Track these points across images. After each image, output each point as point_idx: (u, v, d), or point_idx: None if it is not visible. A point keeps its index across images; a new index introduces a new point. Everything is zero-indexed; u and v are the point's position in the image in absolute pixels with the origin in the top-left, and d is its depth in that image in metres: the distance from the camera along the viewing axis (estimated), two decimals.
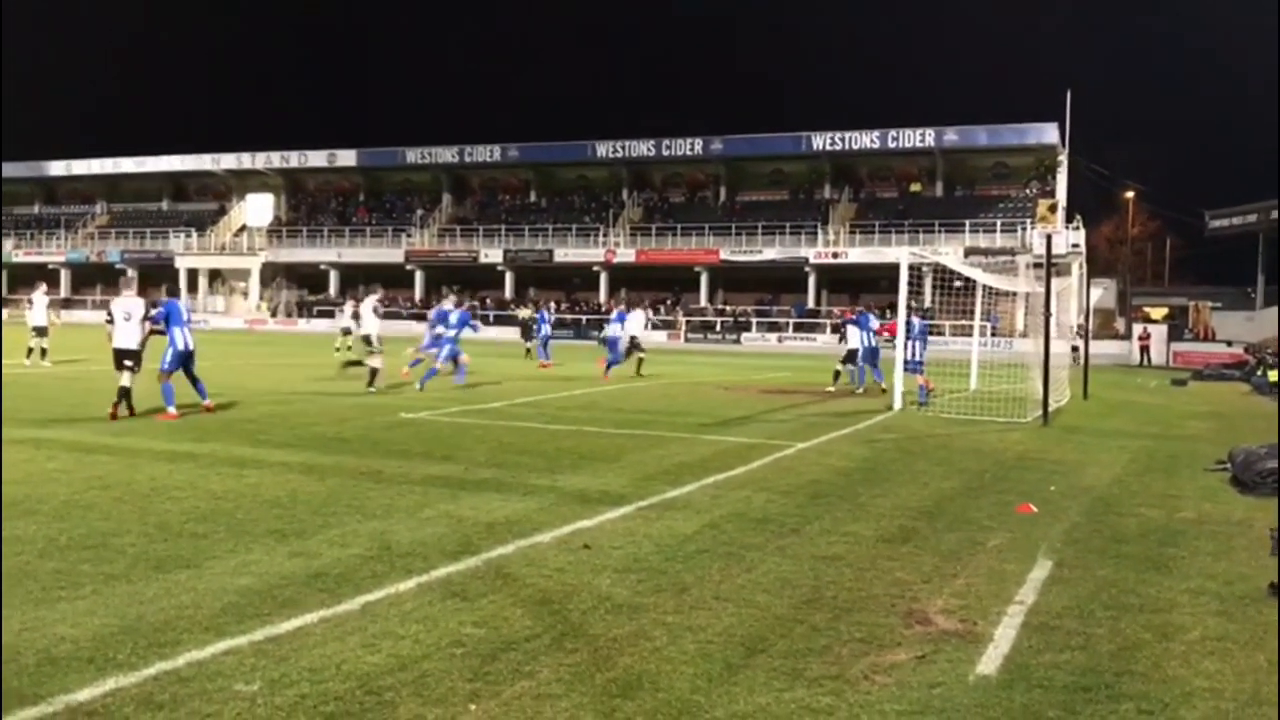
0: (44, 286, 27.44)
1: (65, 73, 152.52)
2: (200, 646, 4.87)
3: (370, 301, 24.01)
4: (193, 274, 72.22)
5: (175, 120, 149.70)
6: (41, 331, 24.15)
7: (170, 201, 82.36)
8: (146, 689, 4.35)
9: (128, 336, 14.21)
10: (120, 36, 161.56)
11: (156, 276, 74.18)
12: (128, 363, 14.07)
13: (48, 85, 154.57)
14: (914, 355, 19.32)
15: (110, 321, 14.37)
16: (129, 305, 14.47)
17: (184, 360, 14.44)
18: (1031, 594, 6.29)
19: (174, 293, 16.55)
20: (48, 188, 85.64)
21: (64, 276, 77.23)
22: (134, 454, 10.76)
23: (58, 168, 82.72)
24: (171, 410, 13.98)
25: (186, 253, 72.73)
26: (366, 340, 22.12)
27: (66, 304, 70.33)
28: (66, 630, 5.05)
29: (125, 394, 13.90)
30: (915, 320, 20.42)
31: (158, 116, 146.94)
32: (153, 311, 14.53)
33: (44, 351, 23.81)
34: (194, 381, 14.72)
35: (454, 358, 20.67)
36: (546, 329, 31.80)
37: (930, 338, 21.60)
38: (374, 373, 19.02)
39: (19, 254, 78.68)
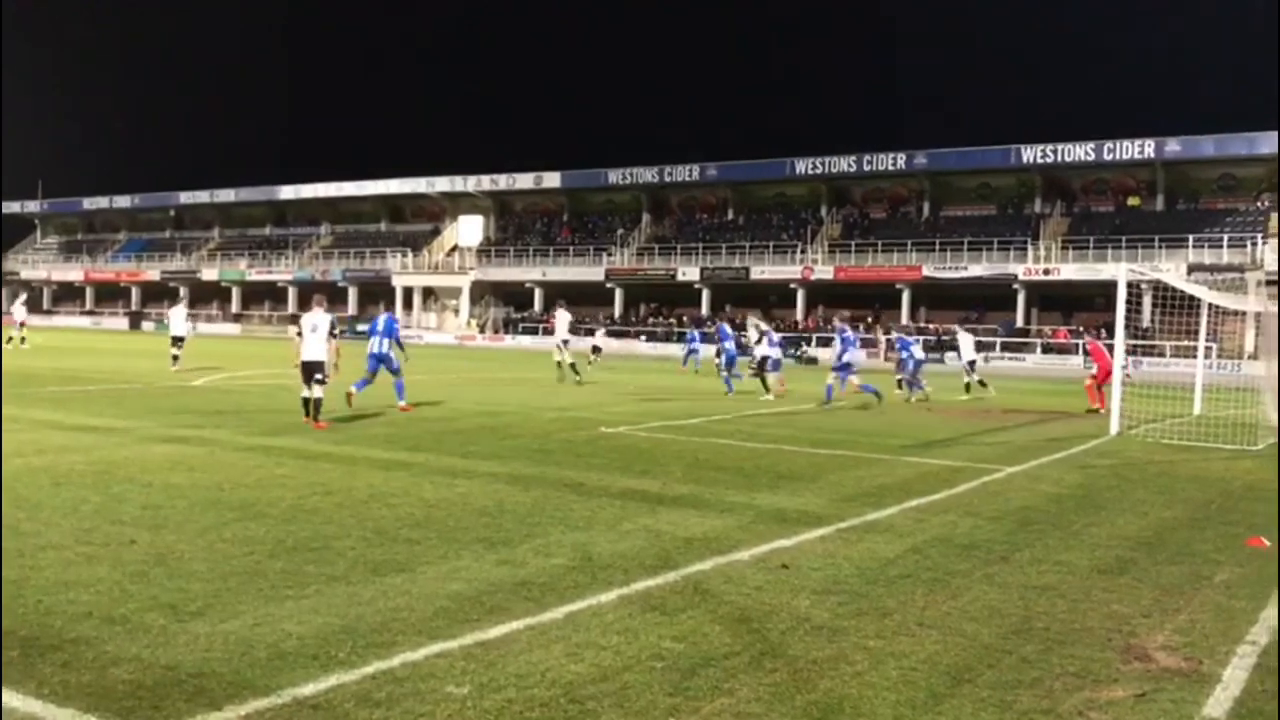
0: (185, 300, 32.49)
1: (295, 103, 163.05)
2: (414, 648, 5.09)
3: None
4: (408, 292, 75.74)
5: (393, 145, 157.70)
6: (178, 341, 27.27)
7: (388, 223, 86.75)
8: (365, 687, 4.58)
9: (314, 349, 14.97)
10: (345, 65, 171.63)
11: (376, 294, 78.58)
12: (317, 375, 14.85)
13: (278, 114, 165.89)
14: (839, 360, 23.08)
15: (300, 335, 15.23)
16: (316, 319, 15.23)
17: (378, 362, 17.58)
18: (1264, 634, 5.86)
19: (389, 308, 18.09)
20: (278, 210, 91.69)
21: (291, 294, 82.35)
22: (353, 462, 11.37)
23: (287, 191, 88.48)
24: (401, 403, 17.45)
25: (402, 272, 76.33)
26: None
27: (294, 319, 75.02)
28: (293, 627, 5.37)
29: (313, 404, 14.75)
30: (847, 328, 24.18)
31: (377, 142, 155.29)
32: (339, 328, 15.56)
33: (175, 358, 26.71)
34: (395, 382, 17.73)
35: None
36: (730, 346, 26.83)
37: (1146, 358, 21.02)
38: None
39: (252, 273, 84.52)
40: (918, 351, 26.15)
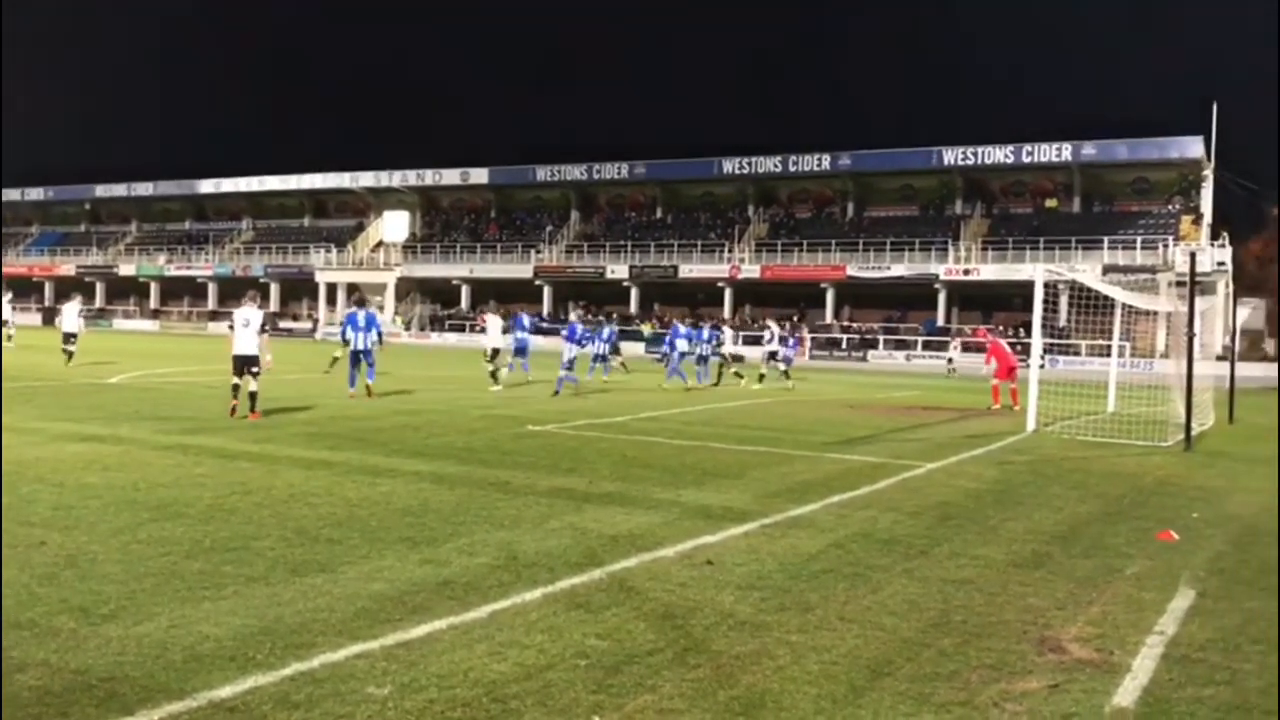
0: (79, 297, 32.80)
1: (213, 93, 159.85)
2: (334, 649, 5.02)
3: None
4: (331, 288, 74.75)
5: (317, 140, 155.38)
6: (70, 338, 27.22)
7: (311, 218, 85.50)
8: (283, 688, 4.51)
9: (246, 343, 15.44)
10: (265, 59, 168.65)
11: (299, 290, 77.39)
12: (253, 369, 15.33)
13: (198, 106, 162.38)
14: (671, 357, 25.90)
15: (231, 328, 15.68)
16: (248, 314, 15.61)
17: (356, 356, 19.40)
18: (1172, 625, 6.04)
19: (361, 303, 20.97)
20: (198, 205, 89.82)
21: (211, 290, 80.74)
22: (274, 461, 11.18)
23: (207, 186, 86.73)
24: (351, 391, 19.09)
25: (326, 268, 75.31)
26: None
27: (214, 316, 73.65)
28: (210, 629, 5.27)
29: (248, 395, 15.25)
30: (682, 326, 27.78)
31: (301, 137, 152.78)
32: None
33: (69, 355, 26.62)
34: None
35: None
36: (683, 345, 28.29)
37: (1062, 357, 21.77)
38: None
39: (171, 268, 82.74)
40: (681, 344, 27.40)
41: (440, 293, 74.47)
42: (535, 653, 5.09)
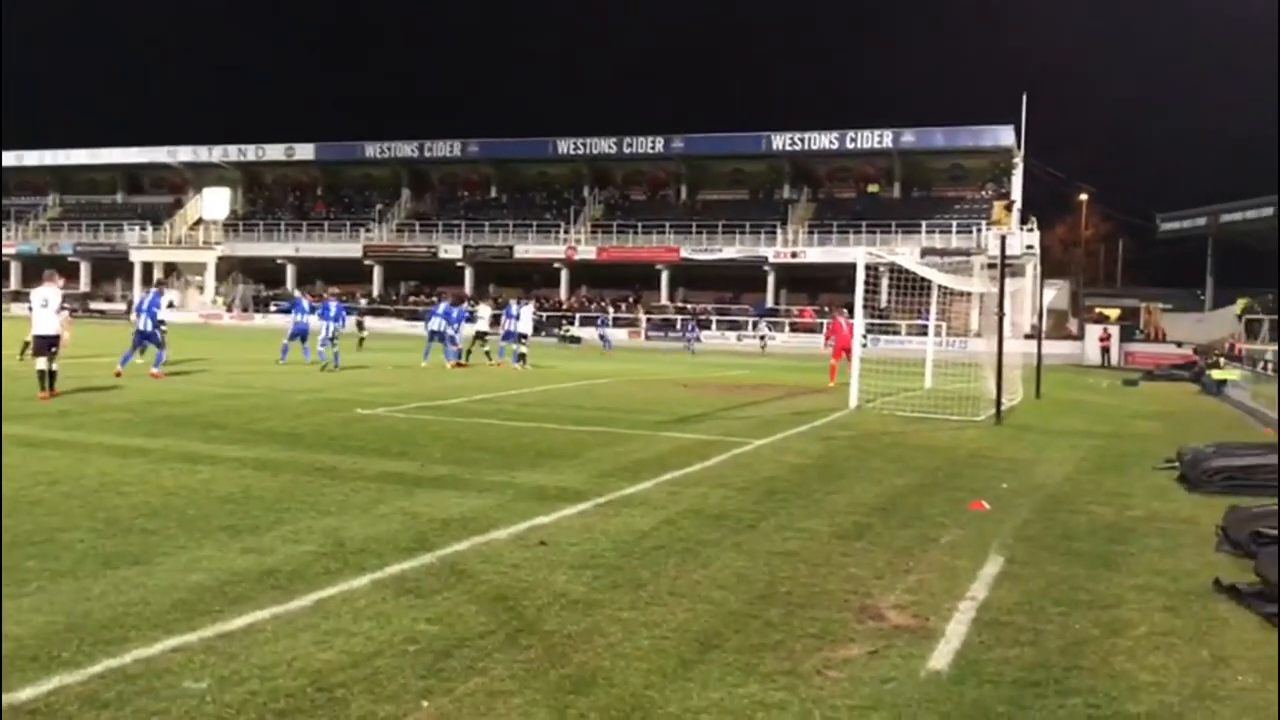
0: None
1: (17, 59, 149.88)
2: (149, 644, 4.80)
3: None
4: (148, 267, 71.39)
5: (131, 111, 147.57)
6: None
7: (125, 194, 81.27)
8: (92, 687, 4.28)
9: (46, 323, 15.10)
10: (74, 22, 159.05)
11: (112, 269, 73.47)
12: (53, 349, 15.03)
13: None
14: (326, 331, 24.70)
15: (30, 310, 15.39)
16: (47, 294, 15.28)
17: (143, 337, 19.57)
18: (983, 590, 6.36)
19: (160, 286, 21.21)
20: None
21: (14, 269, 75.93)
22: (84, 449, 10.60)
23: (8, 158, 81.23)
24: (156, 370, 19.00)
25: (141, 246, 71.89)
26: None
27: (17, 297, 69.15)
28: (11, 628, 4.95)
29: (47, 376, 14.94)
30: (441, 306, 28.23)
31: (112, 107, 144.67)
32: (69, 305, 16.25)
33: None
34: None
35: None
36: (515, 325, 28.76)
37: (884, 336, 22.54)
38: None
39: None
40: (435, 323, 27.61)
41: (264, 272, 71.94)
42: (363, 640, 4.99)
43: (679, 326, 28.19)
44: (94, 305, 67.55)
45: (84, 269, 74.18)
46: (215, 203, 73.81)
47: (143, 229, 73.30)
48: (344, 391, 18.32)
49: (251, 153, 75.40)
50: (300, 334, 25.46)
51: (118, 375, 18.74)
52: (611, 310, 60.18)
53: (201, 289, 71.57)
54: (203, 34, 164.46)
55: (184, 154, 76.44)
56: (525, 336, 27.90)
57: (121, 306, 68.31)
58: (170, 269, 72.66)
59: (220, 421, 13.36)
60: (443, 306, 28.12)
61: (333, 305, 24.78)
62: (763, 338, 53.74)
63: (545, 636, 5.16)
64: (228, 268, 71.73)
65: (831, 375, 24.00)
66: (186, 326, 55.61)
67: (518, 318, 27.92)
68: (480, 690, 4.44)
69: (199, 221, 74.49)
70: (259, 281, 72.28)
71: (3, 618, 5.06)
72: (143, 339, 20.30)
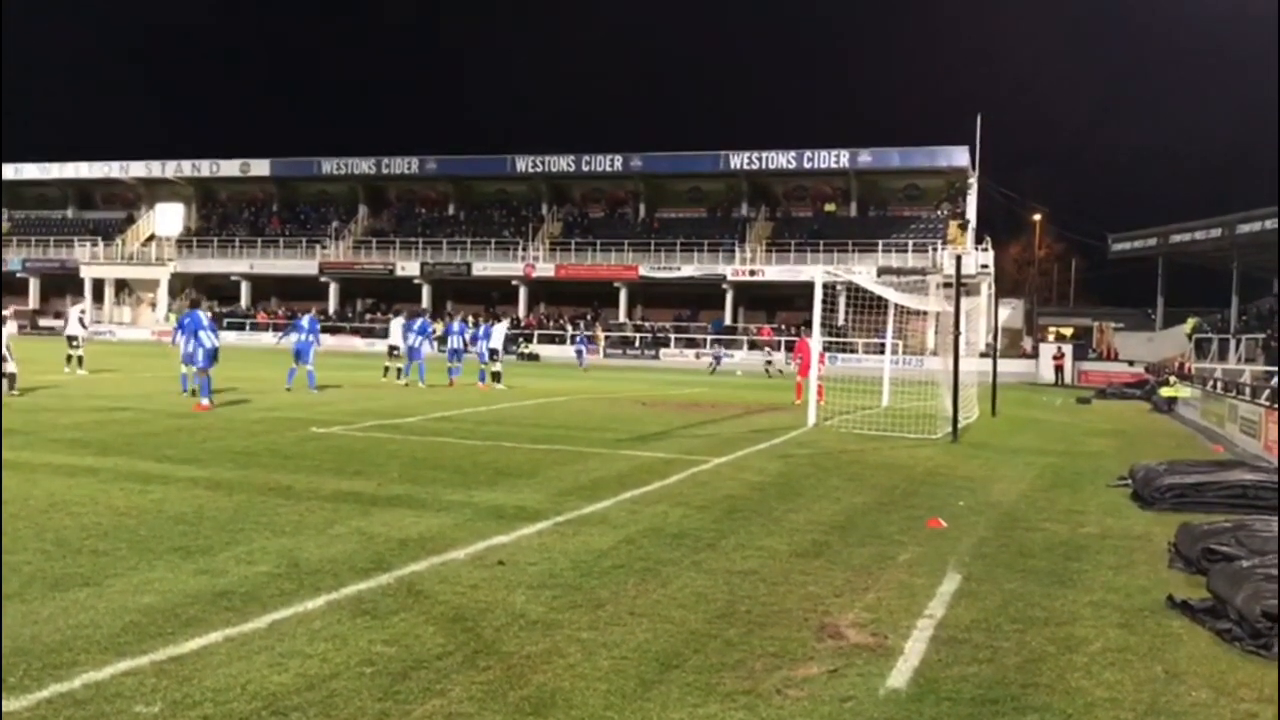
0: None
1: None
2: (98, 667, 4.71)
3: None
4: (98, 284, 70.32)
5: (82, 126, 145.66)
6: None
7: (75, 209, 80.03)
8: (39, 713, 4.19)
9: None
10: (24, 37, 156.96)
11: (61, 286, 72.24)
12: None
13: None
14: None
15: None
16: None
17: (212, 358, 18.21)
18: (940, 608, 6.39)
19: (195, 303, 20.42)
20: None
21: None
22: (31, 469, 10.40)
23: None
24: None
25: (92, 262, 70.77)
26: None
27: None
28: None
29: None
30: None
31: (63, 122, 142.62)
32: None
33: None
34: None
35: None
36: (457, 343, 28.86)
37: (841, 355, 22.73)
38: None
39: None
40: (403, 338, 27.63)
41: (218, 289, 71.08)
42: (318, 662, 4.92)
43: (568, 340, 27.91)
44: (43, 323, 66.33)
45: (33, 285, 72.91)
46: (168, 219, 72.93)
47: (93, 245, 72.22)
48: (299, 410, 18.13)
49: (205, 168, 74.52)
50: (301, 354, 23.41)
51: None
52: (584, 328, 59.92)
53: (154, 306, 70.57)
54: (155, 48, 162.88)
55: (136, 169, 75.39)
56: (496, 352, 27.72)
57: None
58: (122, 286, 71.63)
59: (172, 440, 13.18)
60: (457, 324, 29.02)
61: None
62: (716, 358, 49.96)
63: (504, 657, 5.12)
64: (181, 284, 70.79)
65: (798, 393, 24.10)
66: (137, 344, 54.86)
67: (488, 337, 27.89)
68: (438, 713, 4.39)
69: (151, 237, 73.53)
70: (213, 298, 71.39)
71: (2, 618, 4.94)
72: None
